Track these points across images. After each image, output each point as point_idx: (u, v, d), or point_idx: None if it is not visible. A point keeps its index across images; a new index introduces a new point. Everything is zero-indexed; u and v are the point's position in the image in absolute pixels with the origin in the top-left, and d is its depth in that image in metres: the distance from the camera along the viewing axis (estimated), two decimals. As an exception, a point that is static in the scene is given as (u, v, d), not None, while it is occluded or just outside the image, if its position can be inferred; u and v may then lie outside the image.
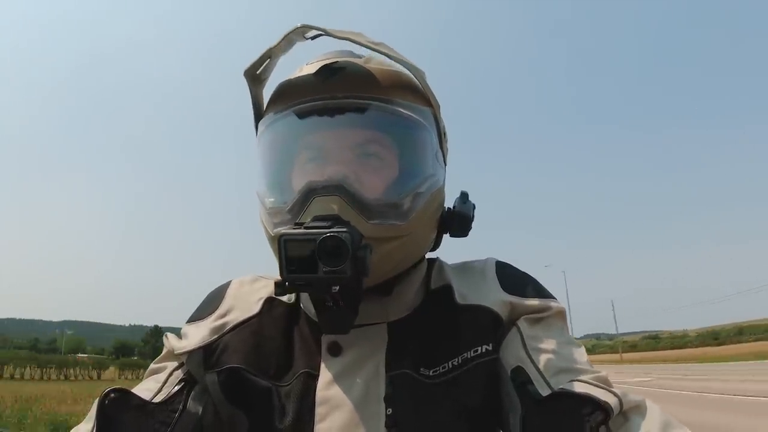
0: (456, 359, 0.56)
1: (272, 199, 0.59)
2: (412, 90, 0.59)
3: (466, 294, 0.61)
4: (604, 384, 0.49)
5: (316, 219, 0.50)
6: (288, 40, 0.58)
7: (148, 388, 0.57)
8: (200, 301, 0.68)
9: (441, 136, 0.63)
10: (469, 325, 0.58)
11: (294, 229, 0.49)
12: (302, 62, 0.62)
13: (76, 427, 0.53)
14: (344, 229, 0.46)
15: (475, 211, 0.65)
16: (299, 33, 0.57)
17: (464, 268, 0.66)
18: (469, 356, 0.56)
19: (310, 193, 0.53)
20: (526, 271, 0.66)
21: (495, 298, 0.60)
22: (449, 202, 0.66)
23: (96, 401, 0.52)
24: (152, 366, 0.62)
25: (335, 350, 0.56)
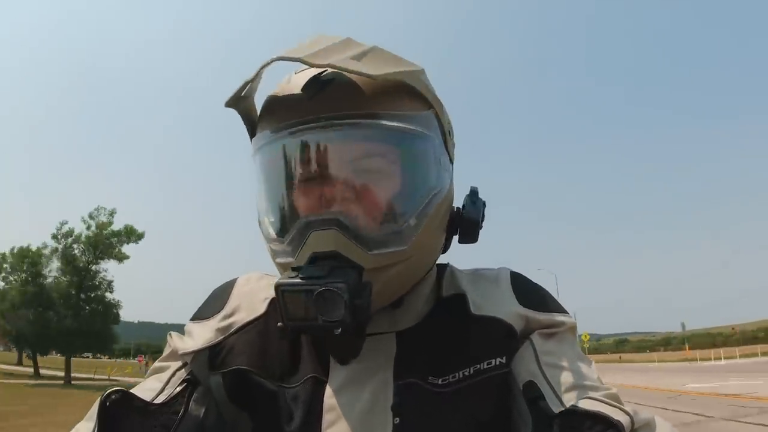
0: (468, 369, 0.53)
1: (265, 220, 0.55)
2: (408, 94, 0.52)
3: (480, 304, 0.58)
4: (615, 402, 0.48)
5: (313, 259, 0.47)
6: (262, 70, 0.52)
7: (150, 388, 0.54)
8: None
9: (445, 135, 0.57)
10: (484, 337, 0.55)
11: (290, 278, 0.46)
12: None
13: (76, 426, 0.51)
14: (340, 281, 0.44)
15: (485, 209, 0.61)
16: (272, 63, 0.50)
17: (476, 276, 0.63)
18: (482, 368, 0.54)
19: (306, 228, 0.49)
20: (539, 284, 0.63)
21: (510, 310, 0.57)
22: (459, 197, 0.61)
23: (97, 402, 0.50)
24: (155, 365, 0.59)
25: (342, 360, 0.54)
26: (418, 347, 0.55)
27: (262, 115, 0.55)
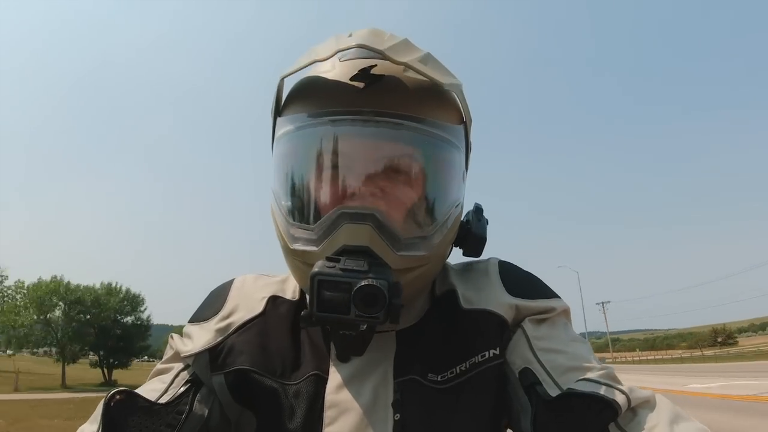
0: (463, 364, 0.53)
1: (289, 204, 0.53)
2: (448, 105, 0.54)
3: (470, 298, 0.58)
4: (612, 381, 0.48)
5: (347, 251, 0.46)
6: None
7: (153, 389, 0.54)
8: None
9: (468, 151, 0.59)
10: (475, 330, 0.55)
11: (328, 268, 0.44)
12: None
13: (81, 427, 0.50)
14: (382, 277, 0.43)
15: (488, 227, 0.60)
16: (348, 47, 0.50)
17: (467, 269, 0.63)
18: (476, 361, 0.53)
19: (340, 218, 0.48)
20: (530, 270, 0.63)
21: (499, 301, 0.57)
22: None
23: (101, 402, 0.49)
24: (158, 366, 0.58)
25: (344, 356, 0.54)
26: (416, 345, 0.55)
27: (299, 96, 0.54)
